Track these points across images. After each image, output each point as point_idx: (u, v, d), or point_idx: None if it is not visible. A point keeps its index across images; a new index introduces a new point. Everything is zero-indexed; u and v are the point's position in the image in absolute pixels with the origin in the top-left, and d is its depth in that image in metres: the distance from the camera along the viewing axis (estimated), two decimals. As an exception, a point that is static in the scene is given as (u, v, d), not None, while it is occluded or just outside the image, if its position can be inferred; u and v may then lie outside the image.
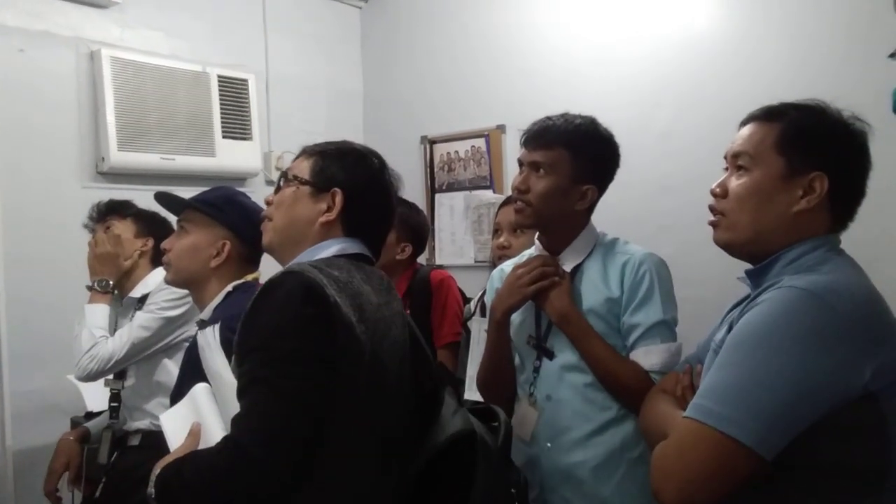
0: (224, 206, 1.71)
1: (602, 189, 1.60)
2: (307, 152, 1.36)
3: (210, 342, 1.24)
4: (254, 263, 1.75)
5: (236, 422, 1.07)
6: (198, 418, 1.22)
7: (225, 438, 1.08)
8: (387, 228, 1.39)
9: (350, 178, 1.31)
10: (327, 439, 1.10)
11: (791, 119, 1.16)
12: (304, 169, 1.33)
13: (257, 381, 1.08)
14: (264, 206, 1.79)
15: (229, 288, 1.66)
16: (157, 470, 1.14)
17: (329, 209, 1.29)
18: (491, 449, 1.28)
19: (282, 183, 1.36)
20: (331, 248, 1.28)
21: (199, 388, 1.27)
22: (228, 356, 1.25)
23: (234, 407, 1.10)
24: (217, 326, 1.26)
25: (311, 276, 1.12)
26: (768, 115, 1.19)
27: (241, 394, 1.09)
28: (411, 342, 1.32)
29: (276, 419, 1.05)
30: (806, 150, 1.14)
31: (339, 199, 1.29)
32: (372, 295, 1.23)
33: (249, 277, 1.71)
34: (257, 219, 1.74)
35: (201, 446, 1.17)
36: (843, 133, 1.16)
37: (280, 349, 1.09)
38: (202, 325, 1.58)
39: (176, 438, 1.22)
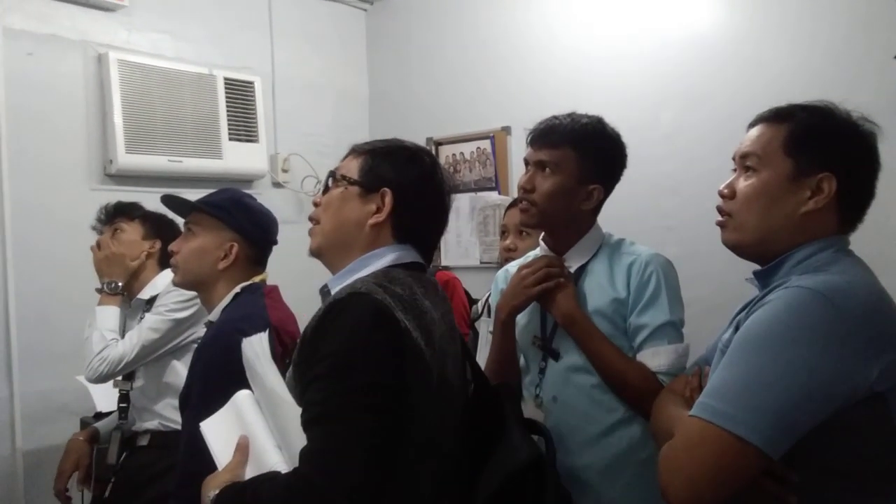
0: (231, 208, 1.71)
1: (608, 189, 1.60)
2: (356, 151, 1.29)
3: (259, 353, 1.16)
4: (261, 265, 1.76)
5: (307, 457, 1.00)
6: (242, 428, 1.16)
7: (295, 474, 1.01)
8: (439, 231, 1.31)
9: (400, 178, 1.23)
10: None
11: (799, 120, 1.16)
12: (353, 168, 1.26)
13: (329, 416, 1.01)
14: (271, 209, 1.82)
15: (237, 289, 1.67)
16: (210, 492, 1.09)
17: (378, 210, 1.23)
18: (555, 474, 1.23)
19: (330, 183, 1.29)
20: (386, 258, 1.21)
21: (242, 396, 1.20)
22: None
23: (292, 427, 1.05)
24: (264, 335, 1.19)
25: (379, 298, 1.07)
26: (776, 117, 1.19)
27: (309, 425, 1.03)
28: (463, 352, 1.28)
29: (353, 459, 0.99)
30: (814, 151, 1.13)
31: (388, 199, 1.22)
32: (433, 310, 1.18)
33: (257, 279, 1.73)
34: (264, 221, 1.76)
35: (250, 460, 1.12)
36: (851, 134, 1.15)
37: (351, 380, 1.02)
38: (235, 331, 1.55)
39: (221, 450, 1.17)
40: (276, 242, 1.79)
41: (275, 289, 1.74)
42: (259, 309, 1.62)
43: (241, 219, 1.70)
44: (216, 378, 1.40)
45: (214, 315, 1.66)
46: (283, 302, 1.73)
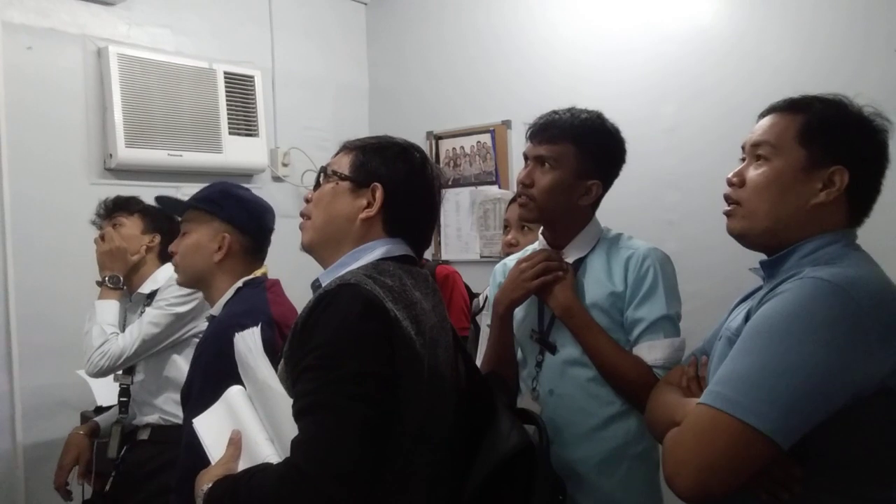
0: (220, 200, 1.71)
1: (607, 184, 1.59)
2: (347, 147, 1.31)
3: (251, 347, 1.17)
4: (259, 256, 1.75)
5: (299, 447, 1.01)
6: (235, 423, 1.17)
7: (286, 464, 1.02)
8: (430, 225, 1.34)
9: (390, 173, 1.25)
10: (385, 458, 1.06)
11: (815, 111, 1.15)
12: (344, 164, 1.28)
13: (319, 406, 1.02)
14: (271, 203, 1.81)
15: (239, 283, 1.67)
16: (203, 486, 1.10)
17: (369, 205, 1.24)
18: (547, 462, 1.24)
19: (321, 179, 1.31)
20: (376, 251, 1.23)
21: (234, 392, 1.21)
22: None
23: (284, 418, 1.06)
24: (257, 330, 1.19)
25: (368, 288, 1.08)
26: (791, 107, 1.18)
27: (300, 415, 1.04)
28: (454, 343, 1.29)
29: (344, 447, 1.00)
30: (828, 143, 1.13)
31: (379, 193, 1.24)
32: (423, 301, 1.19)
33: (258, 272, 1.72)
34: (256, 210, 1.75)
35: (243, 454, 1.13)
36: (866, 129, 1.15)
37: (341, 370, 1.03)
38: (235, 325, 1.57)
39: (214, 446, 1.18)
40: (271, 230, 1.79)
41: (277, 283, 1.74)
42: (261, 303, 1.62)
43: (230, 209, 1.69)
44: (218, 372, 1.40)
45: (216, 309, 1.66)
46: (285, 296, 1.73)
